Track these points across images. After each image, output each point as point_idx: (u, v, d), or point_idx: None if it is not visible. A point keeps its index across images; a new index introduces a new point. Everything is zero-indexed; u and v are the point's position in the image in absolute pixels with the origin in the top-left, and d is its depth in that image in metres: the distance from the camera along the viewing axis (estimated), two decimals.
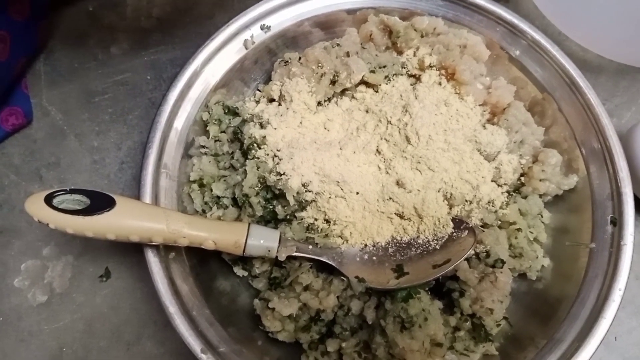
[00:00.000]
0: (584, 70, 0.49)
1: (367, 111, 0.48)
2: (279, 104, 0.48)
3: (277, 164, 0.44)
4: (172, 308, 0.41)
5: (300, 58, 0.48)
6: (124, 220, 0.39)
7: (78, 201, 0.39)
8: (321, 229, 0.45)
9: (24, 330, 0.49)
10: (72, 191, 0.40)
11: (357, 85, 0.49)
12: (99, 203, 0.39)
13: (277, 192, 0.45)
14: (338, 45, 0.49)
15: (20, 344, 0.49)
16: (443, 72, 0.49)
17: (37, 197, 0.40)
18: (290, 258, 0.43)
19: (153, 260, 0.42)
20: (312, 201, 0.44)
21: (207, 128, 0.49)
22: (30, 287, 0.50)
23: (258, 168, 0.45)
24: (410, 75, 0.50)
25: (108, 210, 0.38)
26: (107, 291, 0.50)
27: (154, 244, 0.41)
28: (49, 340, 0.49)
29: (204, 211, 0.47)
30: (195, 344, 0.40)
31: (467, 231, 0.44)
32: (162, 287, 0.42)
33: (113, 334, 0.49)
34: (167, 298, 0.41)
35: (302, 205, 0.45)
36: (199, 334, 0.41)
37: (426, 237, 0.45)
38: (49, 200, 0.39)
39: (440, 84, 0.48)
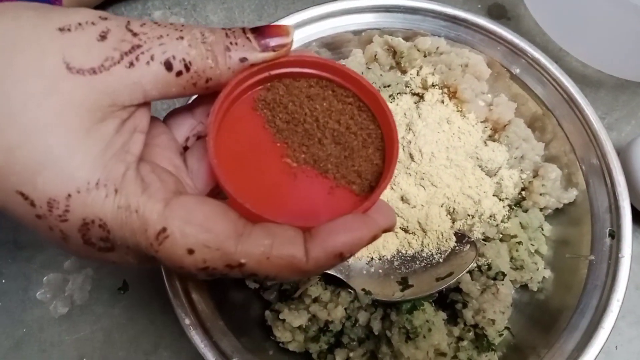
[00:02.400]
0: (583, 85, 0.51)
1: None
2: None
3: None
4: (187, 320, 0.43)
5: None
6: None
7: None
8: None
9: (45, 341, 0.52)
10: None
11: None
12: None
13: None
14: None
15: (42, 355, 0.51)
16: (445, 90, 0.50)
17: None
18: None
19: (169, 273, 0.44)
20: None
21: None
22: (52, 300, 0.53)
23: None
24: (413, 94, 0.52)
25: None
26: (125, 303, 0.52)
27: None
28: (70, 351, 0.51)
29: None
30: (209, 354, 0.42)
31: (469, 245, 0.46)
32: (178, 299, 0.43)
33: (131, 344, 0.51)
34: (182, 310, 0.43)
35: None
36: (213, 345, 0.43)
37: (430, 251, 0.46)
38: None
39: (442, 102, 0.50)
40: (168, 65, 0.26)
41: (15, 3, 0.25)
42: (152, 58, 0.25)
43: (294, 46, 0.52)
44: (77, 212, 0.24)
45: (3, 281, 0.53)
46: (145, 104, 0.27)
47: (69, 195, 0.23)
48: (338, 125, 0.31)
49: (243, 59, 0.28)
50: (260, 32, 0.28)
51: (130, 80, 0.25)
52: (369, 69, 0.51)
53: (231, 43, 0.27)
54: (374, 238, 0.27)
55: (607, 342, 0.42)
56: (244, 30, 0.28)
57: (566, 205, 0.50)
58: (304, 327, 0.45)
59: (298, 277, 0.27)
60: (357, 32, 0.54)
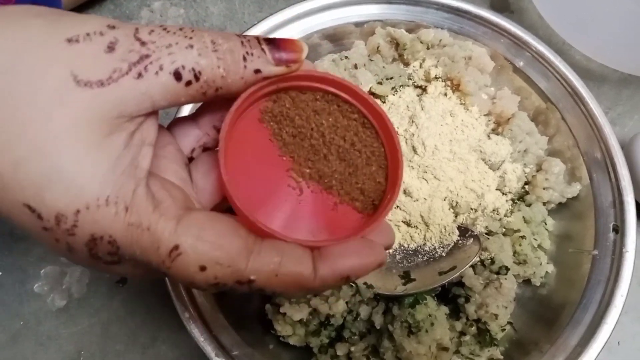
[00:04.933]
0: (587, 79, 0.50)
1: None
2: None
3: None
4: (187, 313, 0.42)
5: None
6: None
7: None
8: None
9: (43, 335, 0.51)
10: None
11: None
12: None
13: None
14: (346, 57, 0.50)
15: (39, 348, 0.51)
16: (448, 83, 0.50)
17: None
18: None
19: None
20: None
21: None
22: (50, 293, 0.52)
23: None
24: (416, 87, 0.51)
25: None
26: (124, 296, 0.52)
27: None
28: (67, 344, 0.51)
29: None
30: (209, 348, 0.42)
31: (472, 239, 0.46)
32: (177, 293, 0.43)
33: (129, 337, 0.51)
34: (181, 303, 0.43)
35: None
36: (212, 338, 0.42)
37: (432, 245, 0.46)
38: None
39: (445, 94, 0.50)
40: (177, 76, 0.25)
41: (25, 8, 0.25)
42: (160, 68, 0.25)
43: (297, 37, 0.52)
44: (85, 227, 0.24)
45: (0, 274, 0.53)
46: (153, 113, 0.27)
47: (78, 211, 0.23)
48: (343, 142, 0.31)
49: (257, 71, 0.27)
50: (274, 44, 0.28)
51: (138, 91, 0.25)
52: (371, 60, 0.51)
53: (247, 53, 0.27)
54: (380, 265, 0.28)
55: (610, 337, 0.42)
56: (258, 40, 0.27)
57: (570, 200, 0.50)
58: (304, 321, 0.45)
59: (304, 294, 0.28)
60: (359, 24, 0.53)
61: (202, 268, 0.25)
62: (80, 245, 0.24)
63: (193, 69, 0.25)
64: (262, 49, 0.27)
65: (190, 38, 0.26)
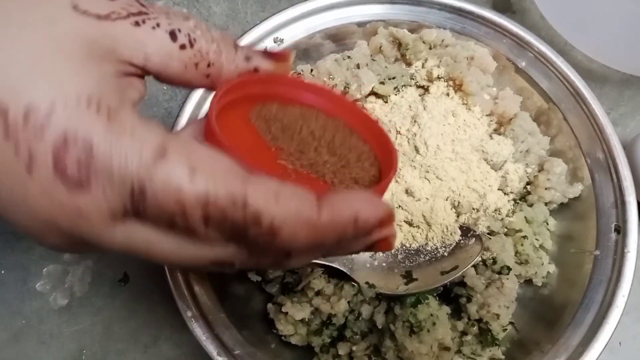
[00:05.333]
0: (589, 79, 0.50)
1: None
2: None
3: None
4: (189, 312, 0.43)
5: (312, 70, 0.50)
6: None
7: None
8: None
9: (45, 333, 0.51)
10: None
11: (367, 96, 0.50)
12: None
13: None
14: (349, 57, 0.50)
15: (41, 346, 0.51)
16: (451, 83, 0.50)
17: None
18: None
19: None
20: None
21: None
22: (52, 291, 0.52)
23: None
24: (418, 87, 0.51)
25: None
26: (126, 295, 0.52)
27: None
28: (69, 343, 0.51)
29: None
30: (211, 347, 0.42)
31: (474, 239, 0.46)
32: (179, 292, 0.43)
33: (131, 336, 0.51)
34: (183, 302, 0.43)
35: None
36: (214, 337, 0.42)
37: (434, 245, 0.46)
38: None
39: (448, 94, 0.50)
40: (173, 36, 0.25)
41: None
42: (157, 25, 0.25)
43: (299, 37, 0.53)
44: (58, 124, 0.20)
45: (2, 272, 0.53)
46: (142, 78, 0.26)
47: (54, 105, 0.20)
48: (332, 139, 0.30)
49: (248, 58, 0.28)
50: (264, 50, 0.29)
51: (133, 37, 0.24)
52: (373, 60, 0.51)
53: (237, 45, 0.28)
54: (389, 219, 0.26)
55: (612, 338, 0.42)
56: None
57: (571, 200, 0.50)
58: (306, 320, 0.45)
59: (306, 235, 0.24)
60: (361, 24, 0.54)
61: (193, 171, 0.21)
62: (46, 154, 0.20)
63: (189, 35, 0.26)
64: (252, 49, 0.29)
65: (187, 17, 0.27)
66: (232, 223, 0.22)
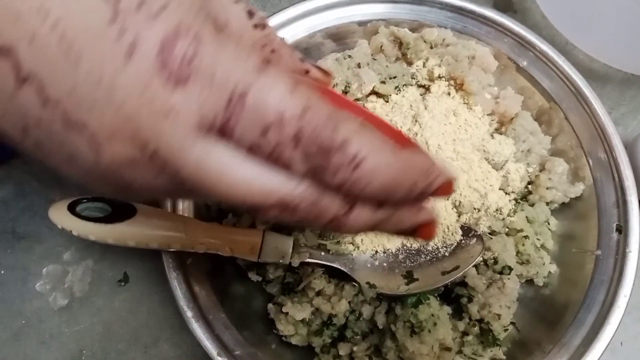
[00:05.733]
0: (590, 79, 0.50)
1: None
2: None
3: None
4: (190, 312, 0.42)
5: None
6: (144, 228, 0.41)
7: (100, 209, 0.41)
8: (333, 236, 0.46)
9: (45, 333, 0.51)
10: (94, 199, 0.41)
11: (368, 95, 0.50)
12: (120, 211, 0.41)
13: None
14: (350, 56, 0.50)
15: (41, 346, 0.51)
16: (452, 82, 0.50)
17: (61, 205, 0.41)
18: (303, 264, 0.45)
19: (171, 265, 0.43)
20: None
21: None
22: (52, 291, 0.52)
23: None
24: (419, 86, 0.51)
25: (129, 218, 0.40)
26: (126, 295, 0.52)
27: (172, 250, 0.43)
28: (69, 343, 0.51)
29: (220, 218, 0.48)
30: (211, 347, 0.42)
31: (475, 238, 0.45)
32: (180, 292, 0.43)
33: (131, 336, 0.51)
34: (184, 302, 0.43)
35: None
36: (215, 338, 0.42)
37: (435, 244, 0.46)
38: (72, 208, 0.41)
39: (449, 94, 0.50)
40: (250, 14, 0.27)
41: None
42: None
43: (300, 36, 0.52)
44: (172, 17, 0.20)
45: (2, 272, 0.52)
46: None
47: (169, 1, 0.20)
48: None
49: (303, 61, 0.30)
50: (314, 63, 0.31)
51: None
52: (374, 59, 0.51)
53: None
54: (451, 185, 0.25)
55: (613, 338, 0.42)
56: None
57: (573, 200, 0.49)
58: (307, 320, 0.45)
59: (385, 172, 0.23)
60: (362, 23, 0.53)
61: (295, 84, 0.21)
62: (154, 40, 0.19)
63: (262, 17, 0.28)
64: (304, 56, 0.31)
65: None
66: (320, 146, 0.21)
